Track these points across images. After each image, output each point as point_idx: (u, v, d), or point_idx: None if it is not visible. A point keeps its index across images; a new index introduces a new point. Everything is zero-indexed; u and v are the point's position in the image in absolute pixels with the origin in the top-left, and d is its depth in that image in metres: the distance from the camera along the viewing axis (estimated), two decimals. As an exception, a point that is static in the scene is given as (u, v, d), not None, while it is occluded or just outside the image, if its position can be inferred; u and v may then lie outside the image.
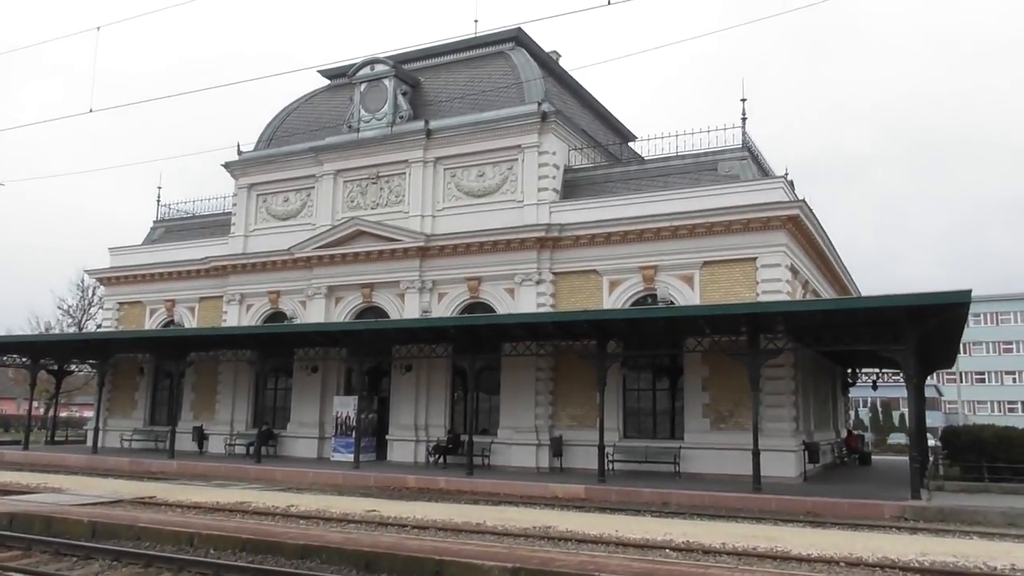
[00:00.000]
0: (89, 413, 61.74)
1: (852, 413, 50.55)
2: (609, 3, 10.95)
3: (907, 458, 21.77)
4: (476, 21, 30.97)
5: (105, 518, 13.86)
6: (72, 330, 54.36)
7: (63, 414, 45.07)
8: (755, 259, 23.56)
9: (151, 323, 34.48)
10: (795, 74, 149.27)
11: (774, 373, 22.27)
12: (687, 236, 24.41)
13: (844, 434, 33.65)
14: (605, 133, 33.91)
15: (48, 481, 21.30)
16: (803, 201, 23.60)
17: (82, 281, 57.12)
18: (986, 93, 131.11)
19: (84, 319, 55.41)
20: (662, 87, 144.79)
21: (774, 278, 23.14)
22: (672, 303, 23.63)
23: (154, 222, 37.36)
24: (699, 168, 25.92)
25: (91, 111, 16.48)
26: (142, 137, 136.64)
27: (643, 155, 29.05)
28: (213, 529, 13.03)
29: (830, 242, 28.86)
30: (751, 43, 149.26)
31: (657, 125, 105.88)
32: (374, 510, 16.37)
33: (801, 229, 24.43)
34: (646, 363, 25.31)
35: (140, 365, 33.68)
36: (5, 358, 34.10)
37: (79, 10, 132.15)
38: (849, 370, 34.67)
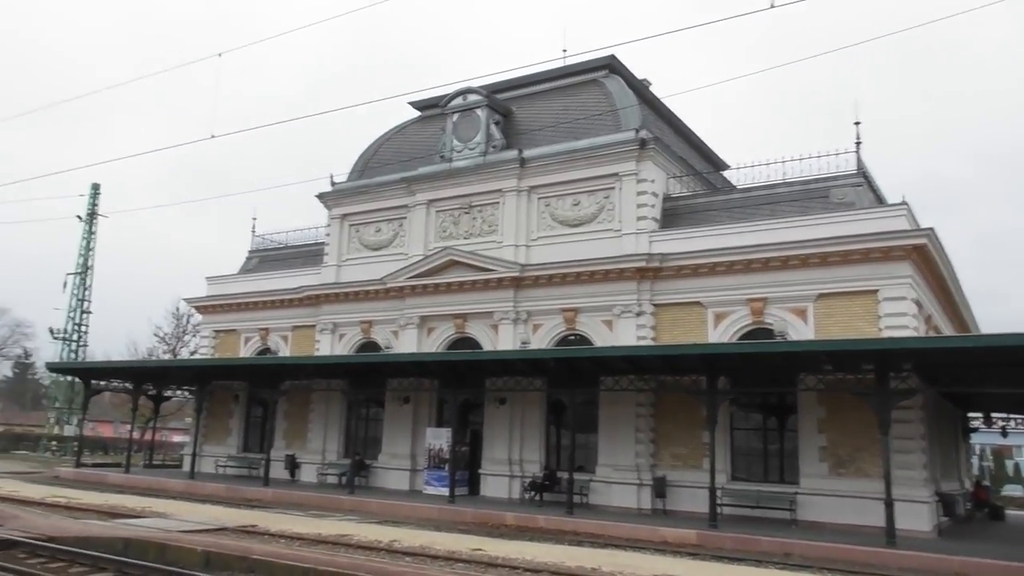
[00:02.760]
0: (178, 438, 63.64)
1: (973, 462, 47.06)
2: (773, 6, 10.18)
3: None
4: (565, 51, 30.22)
5: (218, 548, 13.51)
6: (167, 356, 56.07)
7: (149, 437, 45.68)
8: (876, 291, 22.08)
9: (245, 351, 34.89)
10: (889, 101, 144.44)
11: (902, 416, 20.58)
12: (799, 267, 23.14)
13: (970, 485, 31.07)
14: (699, 161, 32.94)
15: (151, 505, 21.35)
16: (931, 230, 22.06)
17: (177, 309, 59.17)
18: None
19: (178, 346, 57.15)
20: (748, 115, 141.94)
21: (899, 312, 21.59)
22: (787, 338, 22.28)
23: (249, 252, 38.07)
24: (809, 195, 24.67)
25: (213, 136, 16.61)
26: (253, 164, 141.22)
27: (737, 184, 27.93)
28: (327, 564, 12.47)
29: (954, 274, 26.95)
30: (841, 71, 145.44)
31: (748, 153, 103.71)
32: (479, 549, 15.65)
33: (926, 260, 22.86)
34: (753, 401, 24.00)
35: (235, 392, 34.04)
36: (110, 383, 34.99)
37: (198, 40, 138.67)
38: (973, 415, 32.18)
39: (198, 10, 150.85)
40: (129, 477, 30.54)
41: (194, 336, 57.73)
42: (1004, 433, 32.27)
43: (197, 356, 50.36)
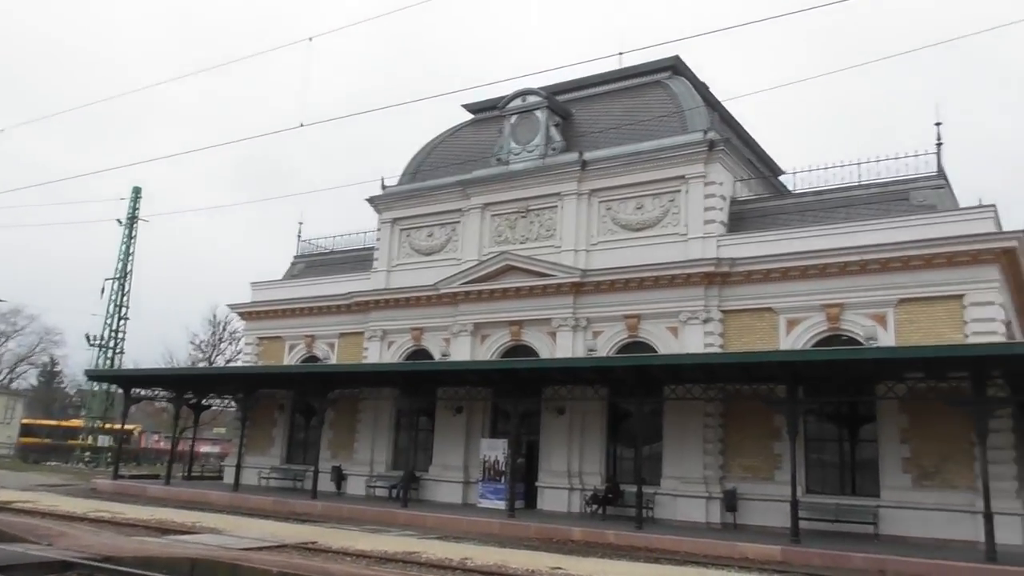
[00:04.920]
0: (206, 448, 62.93)
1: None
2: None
3: None
4: (621, 54, 29.33)
5: (292, 569, 12.73)
6: (203, 364, 55.71)
7: (183, 448, 44.67)
8: (962, 296, 21.09)
9: (290, 358, 34.24)
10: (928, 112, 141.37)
11: (992, 425, 19.50)
12: (879, 271, 22.19)
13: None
14: (760, 165, 31.97)
15: (201, 520, 20.53)
16: (1022, 233, 20.99)
17: (214, 316, 58.92)
18: None
19: (214, 354, 56.87)
20: (788, 119, 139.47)
21: (987, 317, 20.59)
22: (877, 344, 21.26)
23: (294, 257, 37.55)
24: (887, 198, 23.75)
25: (302, 125, 15.94)
26: (296, 168, 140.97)
27: (801, 188, 26.97)
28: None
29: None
30: (888, 80, 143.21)
31: (799, 158, 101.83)
32: (559, 567, 14.76)
33: (1013, 264, 21.77)
34: (825, 410, 23.03)
35: (280, 402, 33.33)
36: (152, 391, 34.44)
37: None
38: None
39: (227, 15, 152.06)
40: (170, 489, 29.60)
41: (231, 343, 57.56)
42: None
43: (235, 364, 50.06)
